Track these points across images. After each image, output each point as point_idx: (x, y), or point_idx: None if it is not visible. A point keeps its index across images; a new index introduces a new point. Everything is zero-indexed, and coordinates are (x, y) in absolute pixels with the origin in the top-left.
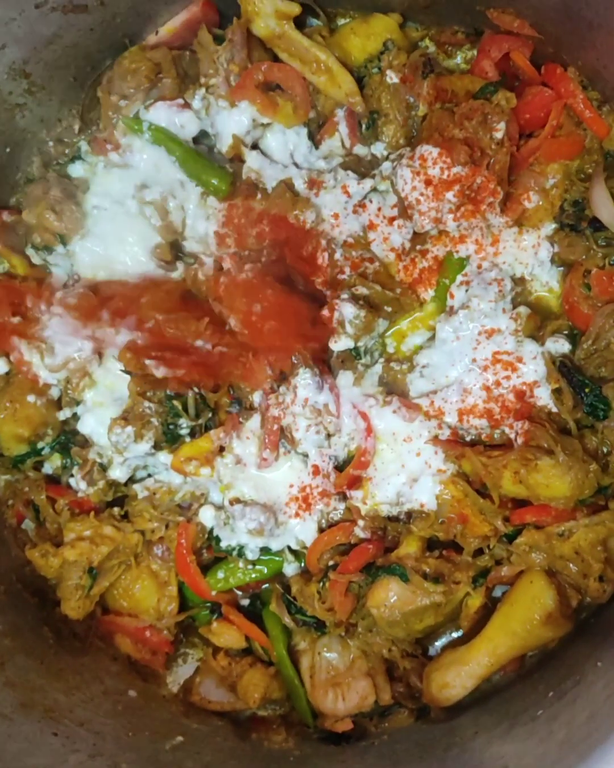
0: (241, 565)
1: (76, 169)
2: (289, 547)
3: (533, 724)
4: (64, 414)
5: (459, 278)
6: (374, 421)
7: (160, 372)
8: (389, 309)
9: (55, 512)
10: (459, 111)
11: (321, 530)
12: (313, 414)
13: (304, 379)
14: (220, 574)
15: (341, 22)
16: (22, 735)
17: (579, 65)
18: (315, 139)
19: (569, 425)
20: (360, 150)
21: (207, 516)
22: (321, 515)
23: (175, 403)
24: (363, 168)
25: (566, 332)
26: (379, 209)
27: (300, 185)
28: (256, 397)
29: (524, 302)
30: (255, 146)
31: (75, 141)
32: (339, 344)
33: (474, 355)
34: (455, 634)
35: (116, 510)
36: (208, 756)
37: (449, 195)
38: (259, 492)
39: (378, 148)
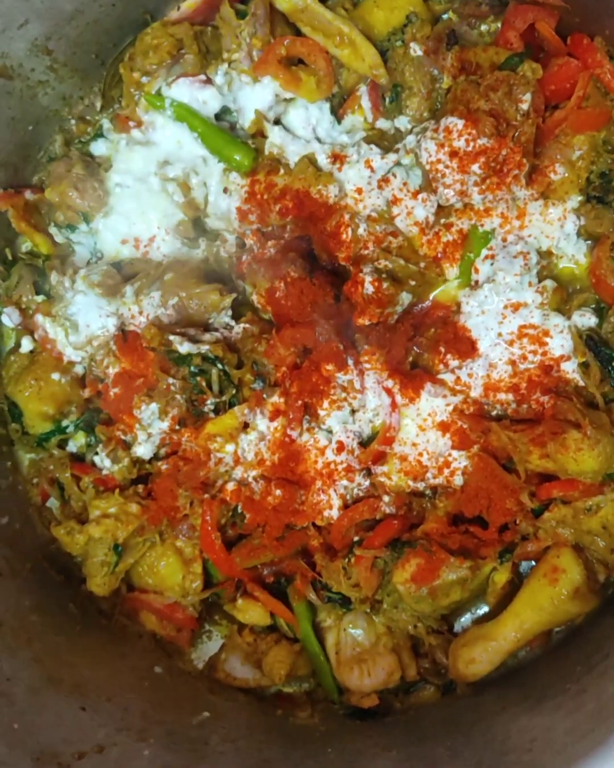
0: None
1: (99, 147)
2: (314, 523)
3: (561, 698)
4: (88, 391)
5: (484, 252)
6: (399, 397)
7: (184, 348)
8: (413, 283)
9: (79, 490)
10: (484, 82)
11: (345, 506)
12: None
13: None
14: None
15: None
16: (51, 709)
17: (606, 35)
18: (337, 114)
19: (596, 399)
20: (383, 124)
21: (231, 492)
22: (345, 491)
23: (199, 379)
24: (386, 142)
25: (593, 306)
26: (404, 183)
27: (323, 160)
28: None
29: (550, 276)
30: (277, 122)
31: (97, 119)
32: (363, 320)
33: (499, 329)
34: (480, 611)
35: (141, 487)
36: (234, 731)
37: (474, 167)
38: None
39: (402, 122)
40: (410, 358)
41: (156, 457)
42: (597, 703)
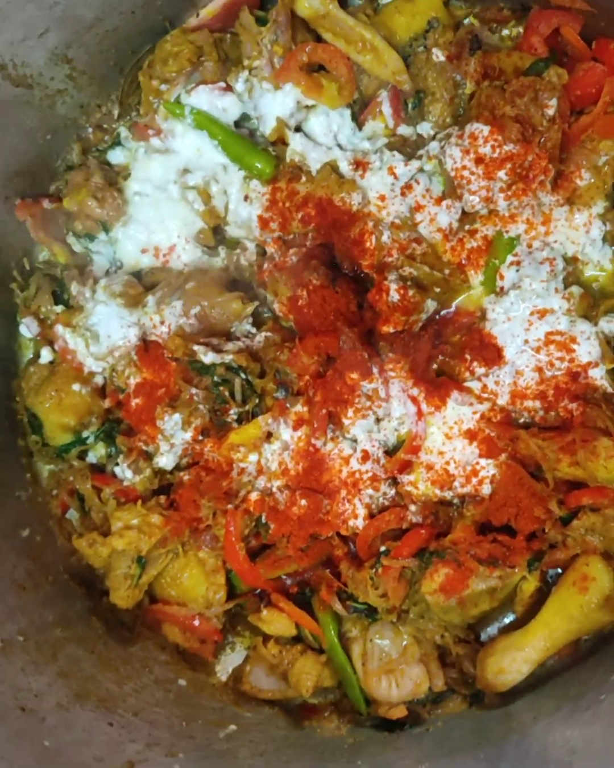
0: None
1: (117, 156)
2: (339, 533)
3: (597, 708)
4: (108, 402)
5: (510, 258)
6: (424, 405)
7: (208, 358)
8: (438, 290)
9: (100, 501)
10: (510, 88)
11: (371, 515)
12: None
13: None
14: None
15: (384, 0)
16: (78, 725)
17: None
18: (358, 120)
19: None
20: (404, 130)
21: (255, 503)
22: (371, 500)
23: (222, 389)
24: (409, 148)
25: None
26: (427, 190)
27: (345, 167)
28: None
29: (576, 282)
30: (298, 129)
31: (114, 127)
32: (387, 327)
33: (526, 335)
34: (507, 619)
35: (162, 498)
36: (262, 744)
37: (501, 173)
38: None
39: (424, 128)
40: (435, 366)
41: (178, 468)
42: None
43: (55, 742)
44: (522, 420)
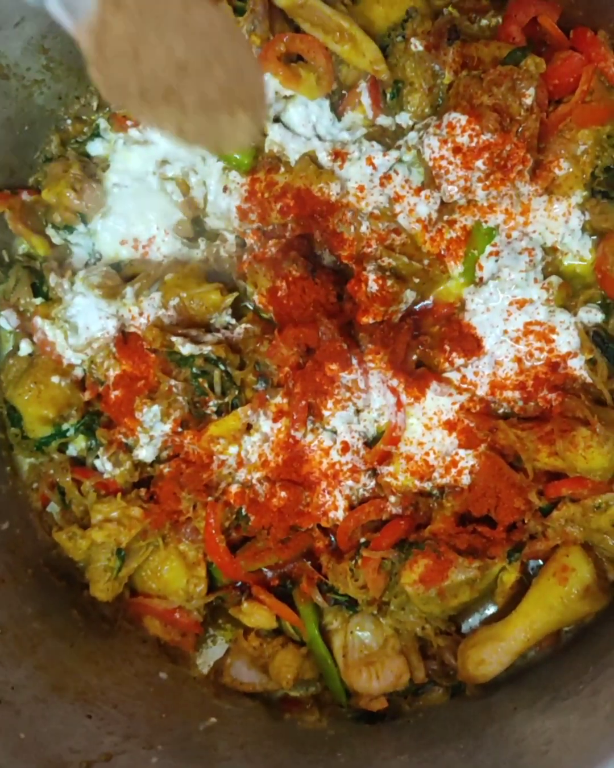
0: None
1: (96, 147)
2: (319, 525)
3: (575, 699)
4: (88, 394)
5: (489, 248)
6: (404, 396)
7: (186, 349)
8: (417, 280)
9: (81, 494)
10: (487, 77)
11: (351, 507)
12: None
13: None
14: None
15: None
16: (56, 717)
17: (610, 28)
18: (337, 111)
19: (604, 396)
20: (383, 120)
21: (235, 495)
22: (351, 492)
23: (201, 381)
24: (387, 139)
25: (599, 302)
26: (406, 180)
27: (324, 158)
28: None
29: (555, 272)
30: (277, 119)
31: (93, 118)
32: (366, 318)
33: (505, 326)
34: (488, 611)
35: (143, 491)
36: (242, 737)
37: (478, 163)
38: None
39: (403, 118)
40: (415, 357)
41: (158, 460)
42: (612, 705)
43: (31, 734)
44: (501, 410)
